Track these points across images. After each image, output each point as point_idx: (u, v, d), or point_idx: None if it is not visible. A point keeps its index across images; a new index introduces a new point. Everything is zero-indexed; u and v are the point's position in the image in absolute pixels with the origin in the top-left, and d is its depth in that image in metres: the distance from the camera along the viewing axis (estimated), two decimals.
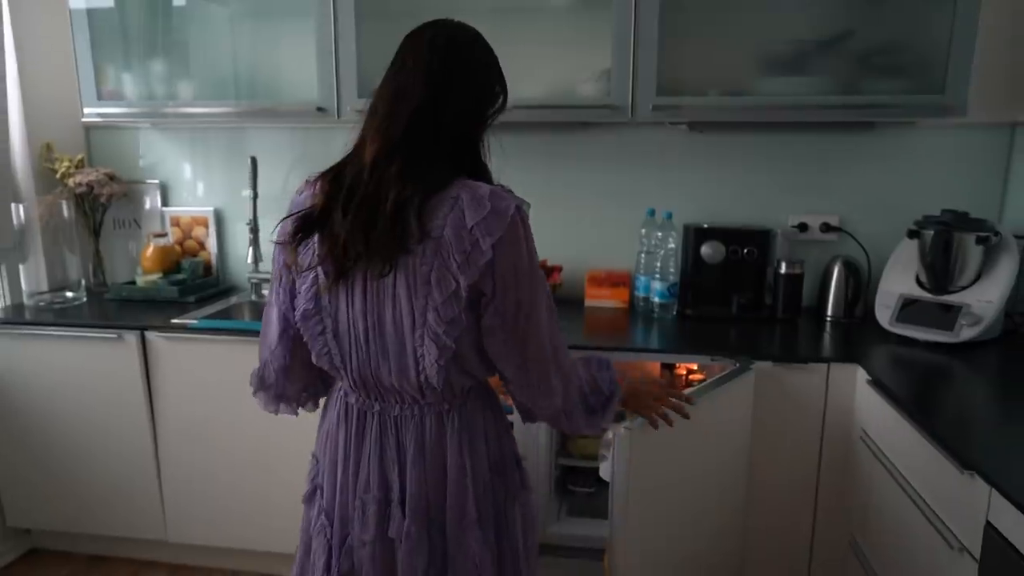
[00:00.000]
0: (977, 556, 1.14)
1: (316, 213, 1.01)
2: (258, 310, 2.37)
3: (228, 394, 2.01)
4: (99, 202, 2.44)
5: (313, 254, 1.01)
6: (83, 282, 2.37)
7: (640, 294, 2.18)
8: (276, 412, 1.19)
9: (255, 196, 2.33)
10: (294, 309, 1.06)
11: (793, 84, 1.89)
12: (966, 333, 1.77)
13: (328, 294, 1.02)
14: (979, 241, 1.80)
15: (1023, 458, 1.18)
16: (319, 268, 1.01)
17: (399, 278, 0.97)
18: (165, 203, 2.55)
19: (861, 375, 1.67)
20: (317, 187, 1.05)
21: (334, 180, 1.03)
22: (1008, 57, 1.99)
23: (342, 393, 1.12)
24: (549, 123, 2.13)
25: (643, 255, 2.16)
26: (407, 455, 1.06)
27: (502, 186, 1.03)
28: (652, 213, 2.16)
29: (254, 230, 2.35)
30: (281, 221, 1.07)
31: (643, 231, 2.17)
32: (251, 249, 2.36)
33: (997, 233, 1.83)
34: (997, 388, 1.55)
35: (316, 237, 1.01)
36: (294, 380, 1.15)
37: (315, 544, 1.13)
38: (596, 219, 2.30)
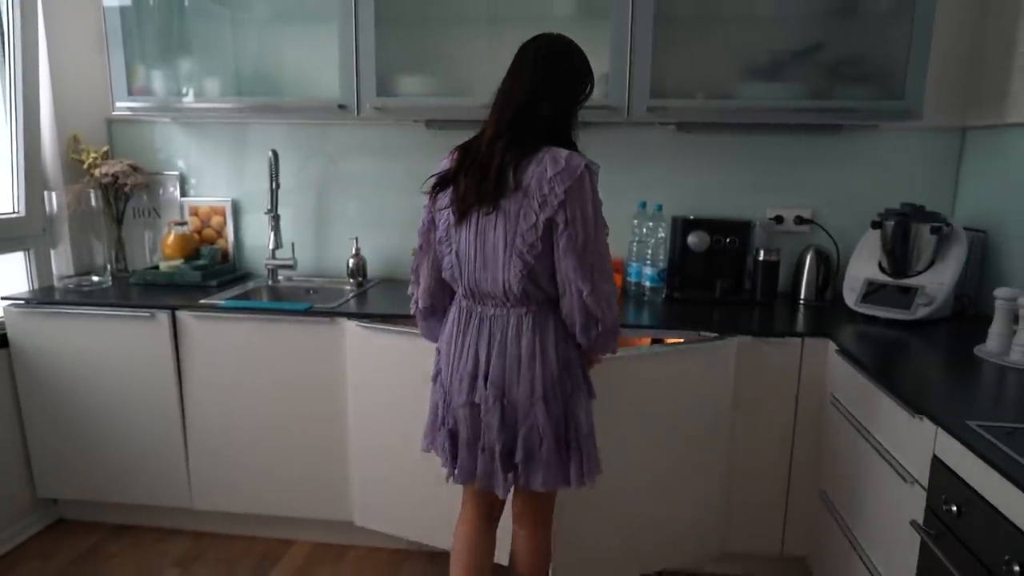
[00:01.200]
0: (926, 486, 1.36)
1: (450, 174, 1.48)
2: (275, 294, 2.53)
3: (252, 368, 2.17)
4: (122, 192, 2.58)
5: (448, 200, 1.46)
6: (108, 267, 2.50)
7: (632, 279, 2.38)
8: (428, 332, 1.64)
9: (277, 187, 2.49)
10: (436, 240, 1.51)
11: (771, 89, 2.11)
12: (921, 311, 2.01)
13: (454, 228, 1.46)
14: (933, 231, 2.04)
15: (962, 407, 1.41)
16: (449, 209, 1.46)
17: (499, 216, 1.40)
18: (184, 194, 2.69)
19: (831, 347, 1.90)
20: (454, 156, 1.50)
21: (463, 151, 1.48)
22: (960, 69, 2.24)
23: (458, 299, 1.54)
24: None
25: (635, 244, 2.37)
26: (494, 344, 1.46)
27: (580, 153, 1.40)
28: (644, 205, 2.37)
29: (275, 218, 2.50)
30: (427, 179, 1.53)
31: (635, 222, 2.38)
32: (272, 235, 2.51)
33: (949, 224, 2.07)
34: (946, 356, 1.78)
35: (450, 189, 1.46)
36: (436, 297, 1.59)
37: (435, 407, 1.58)
38: None
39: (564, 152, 1.37)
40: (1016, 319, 1.70)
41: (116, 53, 2.30)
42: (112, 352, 2.22)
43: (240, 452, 2.24)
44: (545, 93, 1.41)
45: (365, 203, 2.62)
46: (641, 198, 2.40)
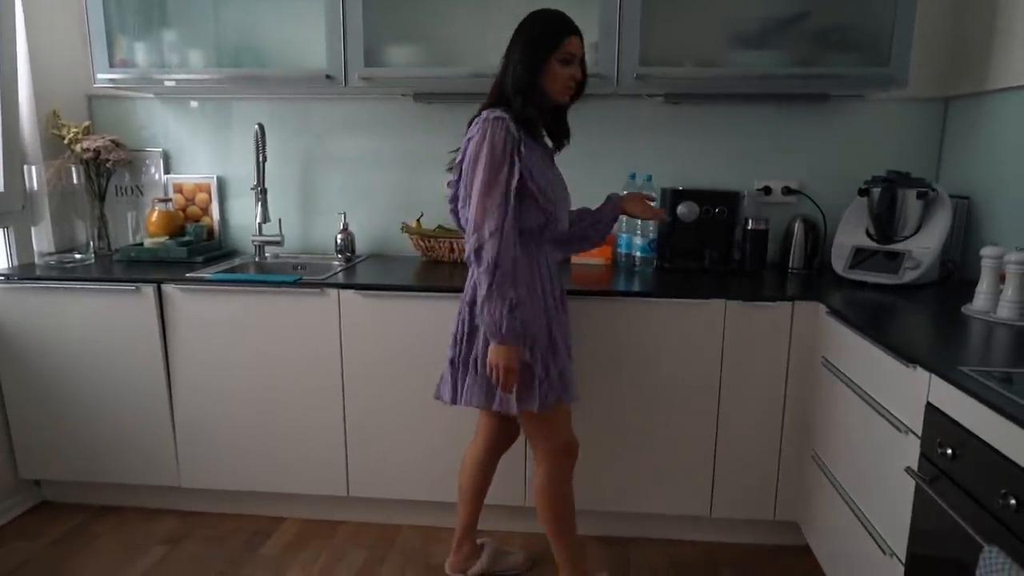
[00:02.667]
0: (919, 433, 1.37)
1: None
2: (263, 270, 2.50)
3: (241, 343, 2.14)
4: (104, 168, 2.53)
5: None
6: (90, 244, 2.45)
7: (623, 250, 2.39)
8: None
9: (264, 160, 2.46)
10: None
11: (758, 57, 2.12)
12: (909, 275, 2.03)
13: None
14: (919, 196, 2.07)
15: (953, 355, 1.42)
16: None
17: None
18: (167, 171, 2.65)
19: (821, 309, 1.92)
20: None
21: None
22: (943, 40, 2.26)
23: None
24: None
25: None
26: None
27: (506, 108, 1.58)
28: (633, 176, 2.38)
29: (262, 192, 2.47)
30: None
31: (625, 192, 2.38)
32: (259, 210, 2.48)
33: (934, 190, 2.09)
34: (935, 315, 1.79)
35: None
36: None
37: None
38: (583, 181, 2.48)
39: (487, 112, 1.57)
40: (1002, 278, 1.72)
41: (96, 23, 2.25)
42: (96, 328, 2.18)
43: (229, 428, 2.21)
44: (507, 59, 1.62)
45: (353, 179, 2.59)
46: (631, 169, 2.40)
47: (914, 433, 1.39)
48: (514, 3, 2.17)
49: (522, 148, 1.55)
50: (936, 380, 1.31)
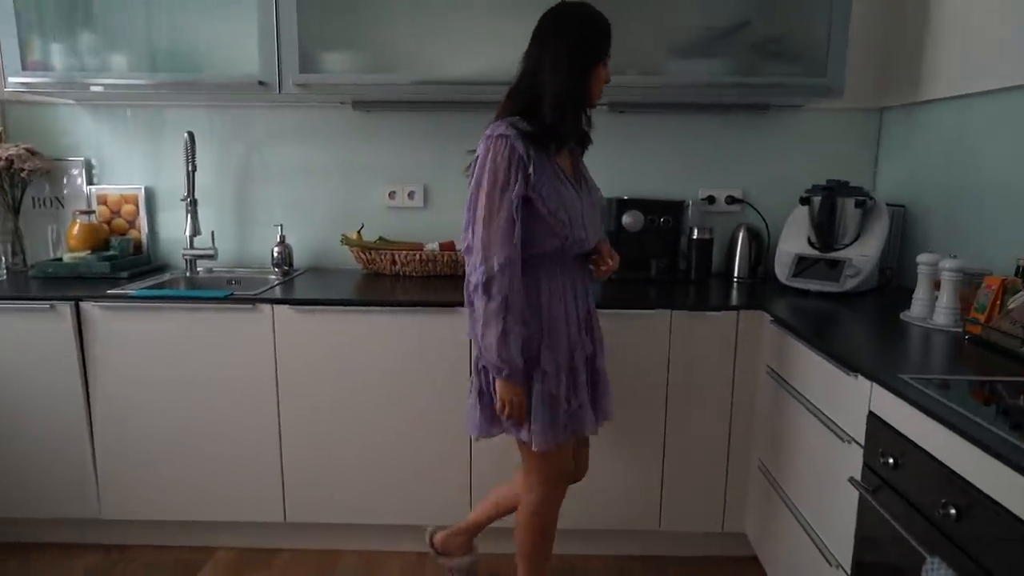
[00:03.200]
0: (862, 443, 1.36)
1: None
2: (194, 285, 2.37)
3: (168, 363, 2.02)
4: (19, 178, 2.37)
5: None
6: (2, 259, 2.29)
7: None
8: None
9: (193, 169, 2.34)
10: None
11: (699, 66, 2.12)
12: (850, 283, 2.05)
13: None
14: (857, 204, 2.09)
15: (893, 364, 1.42)
16: None
17: None
18: (91, 181, 2.50)
19: (766, 319, 1.91)
20: None
21: None
22: (877, 52, 2.31)
23: None
24: (481, 102, 2.28)
25: None
26: None
27: (515, 121, 1.45)
28: None
29: (192, 203, 2.35)
30: None
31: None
32: (189, 222, 2.36)
33: (872, 198, 2.12)
34: (875, 322, 1.80)
35: None
36: None
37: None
38: None
39: (492, 127, 1.45)
40: (937, 284, 1.75)
41: (6, 22, 2.11)
42: (7, 350, 2.02)
43: (155, 454, 2.08)
44: (538, 63, 1.48)
45: (291, 189, 2.49)
46: None
47: (857, 442, 1.38)
48: (452, 10, 2.14)
49: (530, 169, 1.42)
50: (877, 389, 1.31)
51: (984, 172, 1.87)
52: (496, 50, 2.09)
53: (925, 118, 2.14)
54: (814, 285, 2.09)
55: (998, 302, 1.54)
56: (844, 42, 2.05)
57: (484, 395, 1.56)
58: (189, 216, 2.37)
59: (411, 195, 2.46)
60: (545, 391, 1.50)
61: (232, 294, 2.02)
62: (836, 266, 2.09)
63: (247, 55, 2.14)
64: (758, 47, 2.15)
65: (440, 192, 2.46)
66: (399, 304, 1.97)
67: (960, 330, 1.62)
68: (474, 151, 1.50)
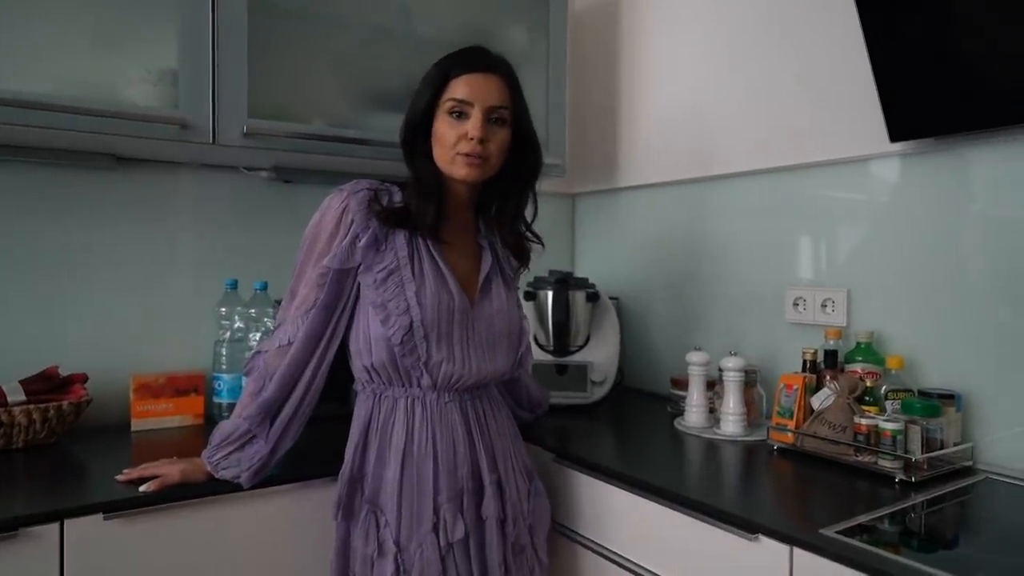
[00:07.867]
0: None
1: None
2: None
3: None
4: None
5: None
6: None
7: (223, 400, 1.50)
8: None
9: None
10: None
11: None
12: (598, 391, 1.73)
13: None
14: (589, 298, 1.81)
15: (785, 512, 1.08)
16: None
17: None
18: None
19: (546, 456, 1.41)
20: None
21: None
22: (569, 137, 2.15)
23: None
24: (72, 151, 1.34)
25: (224, 345, 1.51)
26: None
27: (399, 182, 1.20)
28: (234, 285, 1.54)
29: None
30: None
31: (222, 311, 1.53)
32: None
33: (595, 290, 1.87)
34: (665, 441, 1.45)
35: None
36: None
37: None
38: (141, 300, 1.54)
39: (361, 183, 1.18)
40: (709, 385, 1.53)
41: None
42: None
43: None
44: None
45: None
46: (228, 275, 1.55)
47: None
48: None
49: (378, 237, 1.12)
50: (801, 554, 0.91)
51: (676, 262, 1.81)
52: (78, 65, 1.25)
53: (614, 203, 2.03)
54: (563, 398, 1.70)
55: (802, 403, 1.35)
56: (563, 120, 1.82)
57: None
58: None
59: None
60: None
61: None
62: (578, 371, 1.75)
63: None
64: None
65: None
66: None
67: (762, 439, 1.39)
68: None
